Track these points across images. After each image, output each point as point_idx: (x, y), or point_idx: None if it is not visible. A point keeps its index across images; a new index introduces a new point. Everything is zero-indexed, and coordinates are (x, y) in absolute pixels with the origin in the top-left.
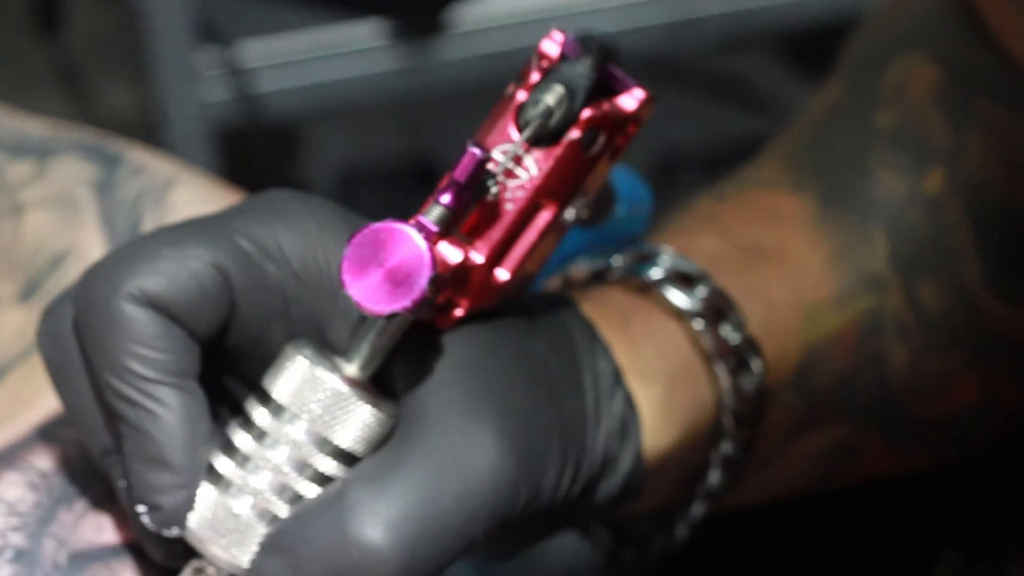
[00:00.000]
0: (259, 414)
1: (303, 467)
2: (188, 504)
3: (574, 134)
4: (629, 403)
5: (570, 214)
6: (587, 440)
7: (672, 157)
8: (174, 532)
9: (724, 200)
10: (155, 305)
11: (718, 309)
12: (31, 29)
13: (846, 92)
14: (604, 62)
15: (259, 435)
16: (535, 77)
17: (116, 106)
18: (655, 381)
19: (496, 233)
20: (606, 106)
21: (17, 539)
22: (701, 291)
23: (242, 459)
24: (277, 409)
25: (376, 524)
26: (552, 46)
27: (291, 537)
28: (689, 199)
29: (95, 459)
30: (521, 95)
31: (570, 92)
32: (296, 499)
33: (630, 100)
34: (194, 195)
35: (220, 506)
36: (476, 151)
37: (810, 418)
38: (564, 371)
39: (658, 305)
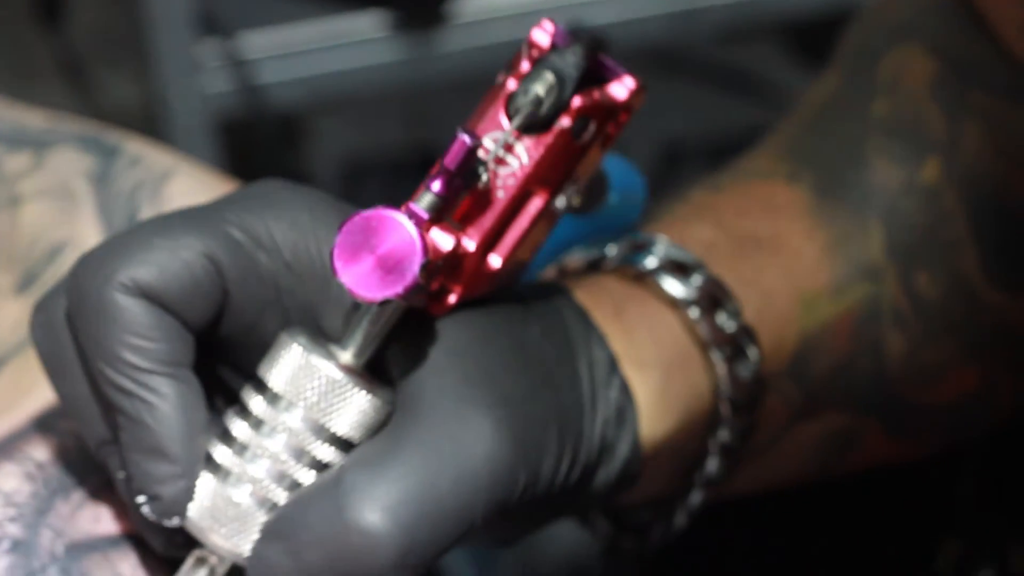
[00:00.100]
0: (255, 403)
1: (301, 454)
2: (188, 494)
3: (564, 122)
4: (625, 391)
5: (562, 202)
6: (584, 427)
7: (675, 148)
8: (174, 522)
9: (720, 190)
10: (147, 295)
11: (714, 297)
12: (34, 21)
13: (843, 83)
14: (594, 51)
15: (256, 424)
16: (525, 66)
17: (119, 98)
18: (651, 369)
19: (488, 220)
20: (596, 94)
21: (14, 530)
22: (696, 280)
23: (240, 448)
24: (273, 397)
25: (374, 508)
26: (543, 36)
27: (290, 523)
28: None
29: (92, 450)
30: (511, 84)
31: (560, 80)
32: (295, 486)
33: (621, 89)
34: (191, 186)
35: (219, 495)
36: (466, 138)
37: (807, 407)
38: (559, 359)
39: (653, 294)
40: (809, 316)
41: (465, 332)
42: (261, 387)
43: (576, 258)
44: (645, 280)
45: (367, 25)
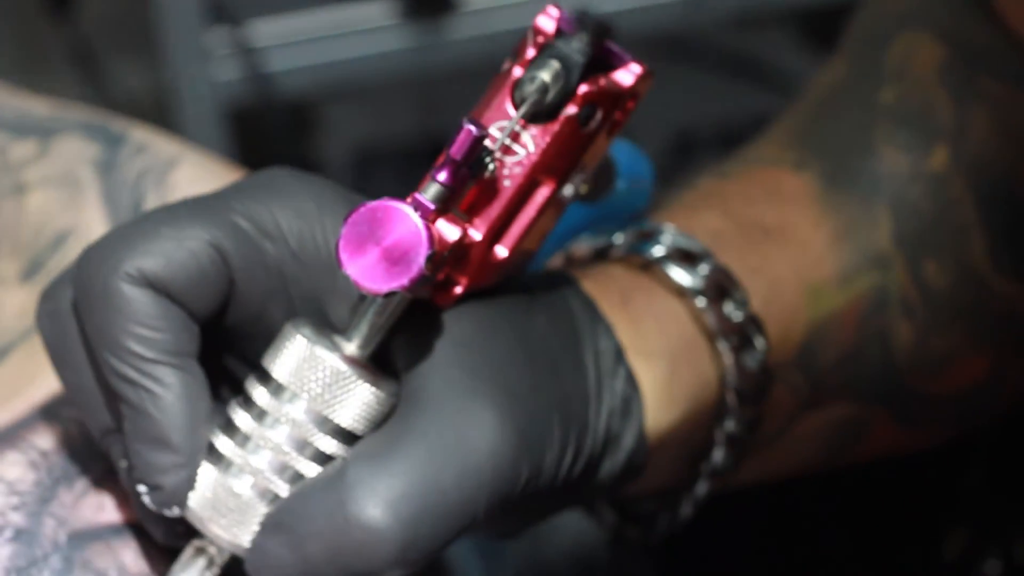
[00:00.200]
0: (259, 393)
1: (303, 446)
2: (189, 484)
3: (571, 110)
4: (631, 381)
5: (569, 190)
6: (589, 418)
7: (687, 136)
8: (175, 512)
9: (727, 178)
10: (153, 285)
11: (721, 287)
12: (44, 11)
13: (850, 70)
14: (600, 38)
15: (259, 415)
16: (531, 53)
17: (130, 87)
18: (657, 359)
19: (494, 210)
20: (603, 81)
21: (17, 518)
22: (703, 269)
23: (242, 439)
24: (277, 388)
25: (377, 503)
26: (548, 22)
27: (292, 516)
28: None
29: (96, 439)
30: (517, 71)
31: (566, 68)
32: (297, 478)
33: (627, 75)
34: (197, 174)
35: (221, 486)
36: (472, 128)
37: (814, 396)
38: (565, 349)
39: (660, 283)
40: (816, 305)
41: (470, 324)
42: (265, 378)
43: (583, 247)
44: (652, 269)
45: (376, 13)
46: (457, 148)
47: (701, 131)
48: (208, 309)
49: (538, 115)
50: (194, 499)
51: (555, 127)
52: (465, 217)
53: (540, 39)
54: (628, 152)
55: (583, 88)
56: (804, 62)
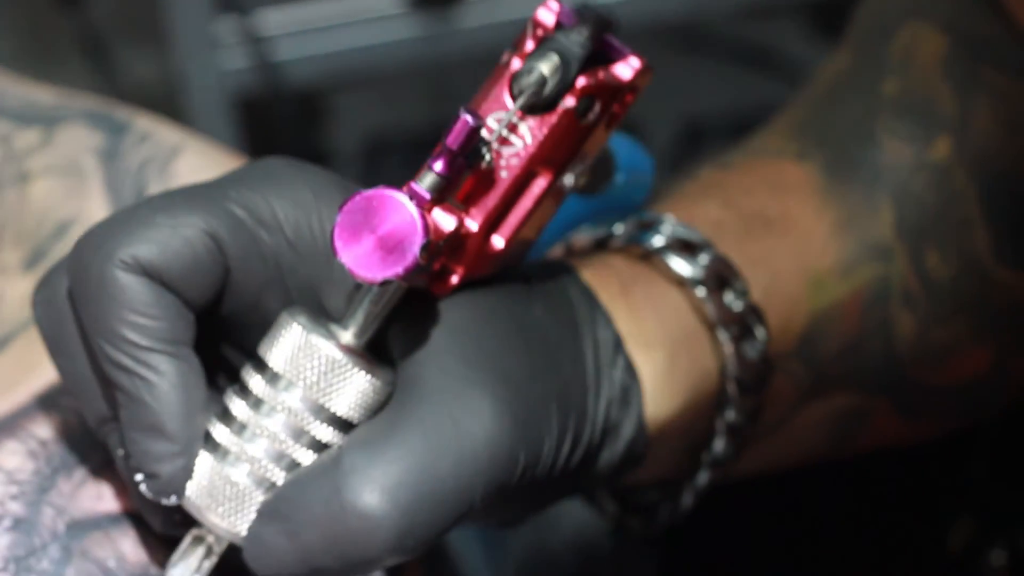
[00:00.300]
0: (255, 382)
1: (300, 435)
2: (185, 472)
3: (569, 102)
4: (630, 371)
5: (568, 180)
6: (587, 407)
7: (697, 126)
8: (172, 500)
9: (728, 168)
10: (148, 273)
11: (721, 277)
12: (54, 1)
13: (853, 61)
14: (600, 31)
15: (255, 403)
16: (530, 46)
17: (139, 77)
18: (657, 348)
19: (491, 201)
20: (601, 74)
21: (16, 507)
22: (704, 259)
23: (239, 427)
24: (273, 377)
25: (373, 490)
26: (547, 15)
27: (288, 504)
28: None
29: (93, 428)
30: (516, 63)
31: (565, 60)
32: (293, 466)
33: (626, 69)
34: (199, 162)
35: (217, 474)
36: (468, 118)
37: (816, 387)
38: (563, 338)
39: (660, 273)
40: (818, 296)
41: (467, 312)
42: (261, 366)
43: (583, 237)
44: (652, 259)
45: (384, 2)
46: (453, 138)
47: (711, 121)
48: (204, 297)
49: (536, 107)
50: (191, 488)
51: (552, 119)
52: (462, 207)
53: (539, 32)
54: (627, 145)
55: (581, 81)
56: (814, 51)
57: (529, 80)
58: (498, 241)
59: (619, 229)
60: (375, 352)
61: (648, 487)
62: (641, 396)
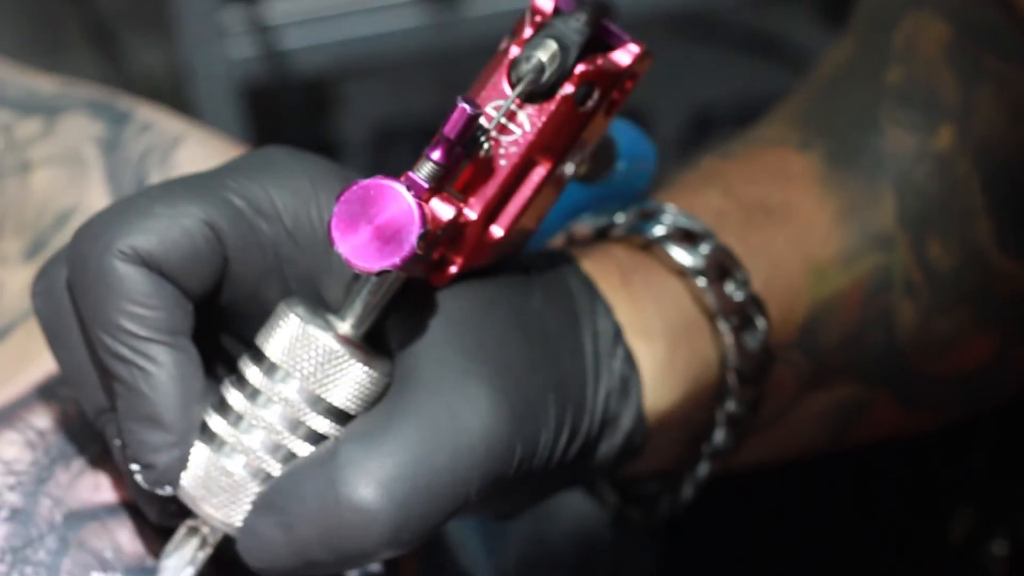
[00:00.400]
0: (252, 373)
1: (296, 426)
2: (181, 463)
3: (567, 89)
4: (630, 361)
5: (568, 169)
6: (586, 398)
7: (705, 114)
8: (167, 491)
9: (730, 157)
10: (147, 263)
11: (722, 266)
12: None
13: (857, 50)
14: (598, 17)
15: (252, 394)
16: (528, 32)
17: (147, 66)
18: (656, 339)
19: (490, 190)
20: (600, 61)
21: (13, 498)
22: (704, 248)
23: (235, 418)
24: (270, 367)
25: (368, 483)
26: (546, 2)
27: (284, 496)
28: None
29: (91, 418)
30: (514, 50)
31: (563, 47)
32: (289, 458)
33: (624, 55)
34: (201, 152)
35: (213, 465)
36: (466, 106)
37: (817, 377)
38: (562, 329)
39: (661, 262)
40: (819, 286)
41: (465, 303)
42: (258, 357)
43: (584, 226)
44: (652, 248)
45: None
46: (451, 127)
47: (720, 109)
48: (202, 287)
49: (534, 94)
50: (187, 478)
51: (551, 106)
52: (460, 197)
53: (538, 19)
54: (629, 132)
55: (580, 68)
56: (822, 39)
57: (527, 67)
58: (497, 230)
59: (620, 218)
60: (373, 343)
61: (648, 478)
62: (640, 387)
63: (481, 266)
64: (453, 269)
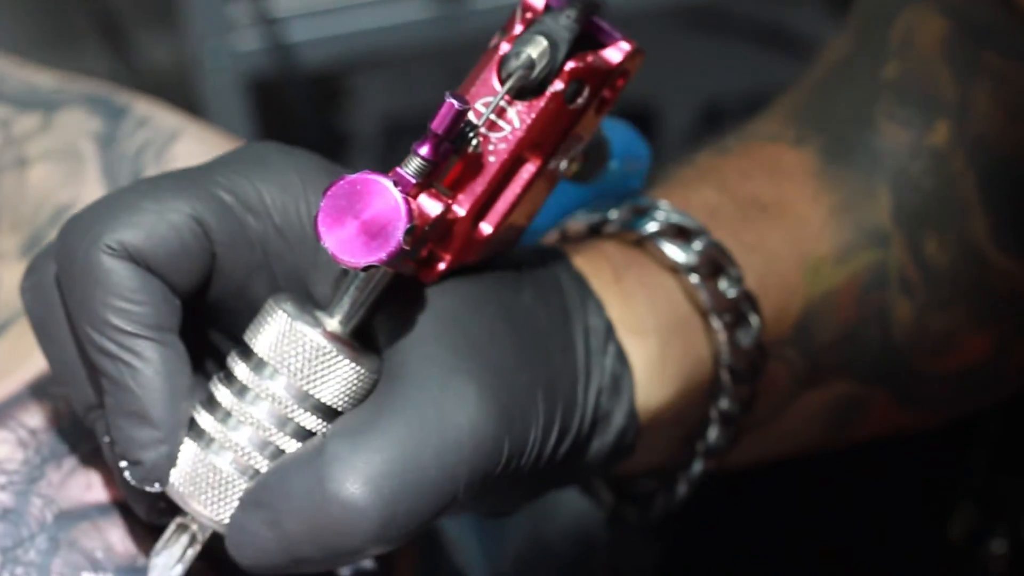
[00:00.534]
0: (240, 369)
1: (284, 422)
2: (169, 459)
3: (557, 86)
4: (621, 358)
5: (561, 165)
6: (576, 396)
7: (715, 107)
8: (156, 488)
9: (726, 154)
10: (134, 258)
11: (715, 263)
12: None
13: (854, 45)
14: (588, 14)
15: (240, 390)
16: (518, 29)
17: (155, 59)
18: (649, 335)
19: (479, 186)
20: (590, 58)
21: (4, 497)
22: (698, 245)
23: (224, 414)
24: (258, 364)
25: (356, 479)
26: None
27: (271, 492)
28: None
29: (81, 415)
30: (504, 47)
31: (553, 43)
32: (277, 455)
33: (615, 52)
34: (197, 147)
35: (201, 462)
36: (454, 102)
37: (812, 375)
38: (553, 326)
39: (653, 259)
40: (814, 282)
41: (454, 300)
42: (246, 353)
43: (577, 222)
44: (645, 245)
45: None
46: (439, 122)
47: (730, 101)
48: (190, 283)
49: (525, 91)
50: (175, 475)
51: (541, 103)
52: (449, 193)
53: (529, 15)
54: (623, 132)
55: (570, 64)
56: (832, 31)
57: (517, 63)
58: (486, 227)
59: (613, 215)
60: (362, 339)
61: (643, 476)
62: (632, 384)
63: (471, 263)
64: (442, 266)
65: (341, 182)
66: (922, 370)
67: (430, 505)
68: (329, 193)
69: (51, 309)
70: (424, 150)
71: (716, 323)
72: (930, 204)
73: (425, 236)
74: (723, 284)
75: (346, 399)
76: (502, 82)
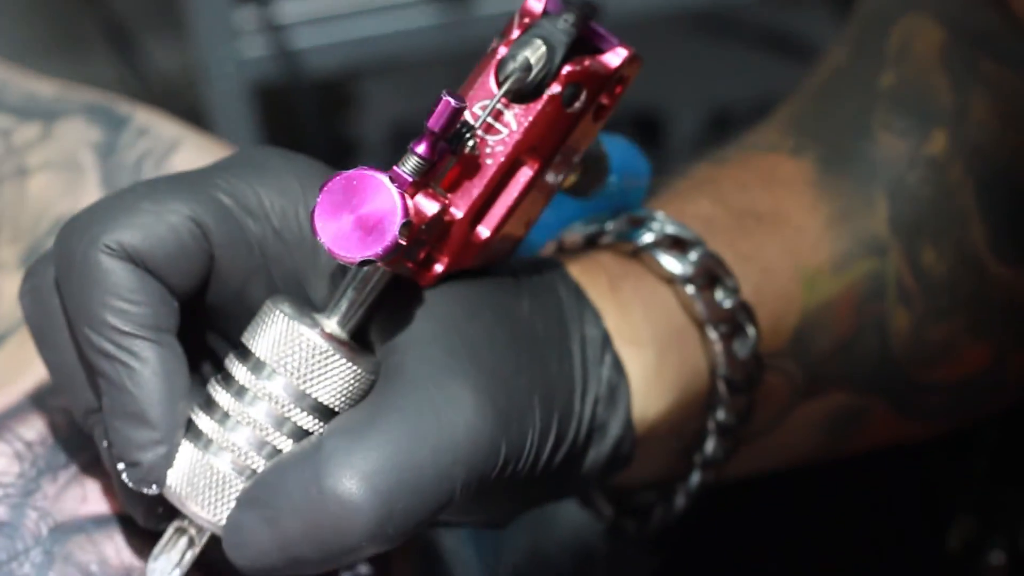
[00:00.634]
0: (238, 370)
1: (282, 423)
2: (167, 460)
3: (555, 89)
4: (618, 368)
5: (555, 177)
6: (573, 405)
7: (723, 113)
8: (153, 489)
9: (723, 164)
10: (132, 258)
11: (711, 274)
12: None
13: (851, 54)
14: (585, 18)
15: (238, 391)
16: (516, 33)
17: (162, 66)
18: (645, 346)
19: (476, 188)
20: (587, 62)
21: None
22: (694, 256)
23: (222, 416)
24: (256, 364)
25: (352, 476)
26: (535, 3)
27: (268, 489)
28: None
29: (79, 420)
30: (502, 51)
31: (550, 47)
32: (275, 455)
33: (613, 57)
34: (197, 157)
35: (199, 463)
36: (450, 100)
37: (810, 386)
38: (550, 334)
39: (650, 270)
40: (810, 293)
41: (451, 303)
42: (245, 355)
43: (574, 233)
44: (642, 256)
45: None
46: (435, 120)
47: (738, 107)
48: (188, 284)
49: (522, 94)
50: (173, 477)
51: (538, 106)
52: (446, 195)
53: (527, 20)
54: (623, 148)
55: (567, 68)
56: None
57: (514, 66)
58: (483, 231)
59: (610, 226)
60: (359, 341)
61: (642, 488)
62: (629, 394)
63: (468, 268)
64: (439, 268)
65: (338, 177)
66: (920, 380)
67: (427, 504)
68: (326, 188)
69: (50, 313)
70: (421, 148)
71: (712, 334)
72: (928, 213)
73: (422, 236)
74: (719, 295)
75: (343, 399)
76: (499, 85)
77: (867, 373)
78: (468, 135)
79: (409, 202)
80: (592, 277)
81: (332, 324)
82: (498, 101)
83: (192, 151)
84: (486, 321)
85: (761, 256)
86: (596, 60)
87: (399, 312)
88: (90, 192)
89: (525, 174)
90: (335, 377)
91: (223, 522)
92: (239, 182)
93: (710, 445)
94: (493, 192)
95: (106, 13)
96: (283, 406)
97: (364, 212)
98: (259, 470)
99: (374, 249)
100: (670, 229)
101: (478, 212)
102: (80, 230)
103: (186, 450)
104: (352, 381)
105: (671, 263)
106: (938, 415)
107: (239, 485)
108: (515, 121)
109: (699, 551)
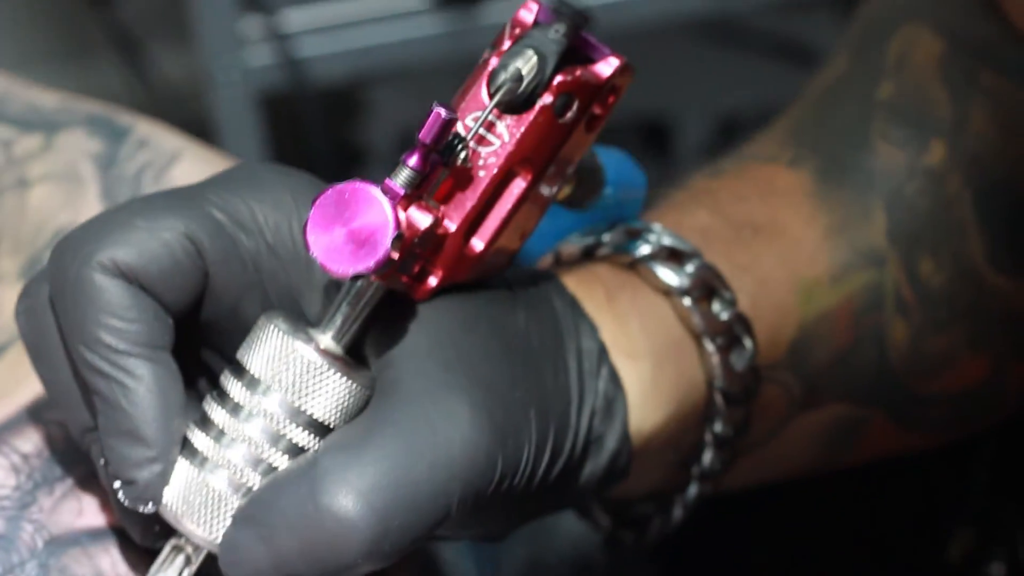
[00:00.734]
0: (233, 387)
1: (277, 439)
2: (163, 478)
3: (546, 99)
4: (615, 381)
5: (549, 189)
6: (569, 418)
7: (732, 120)
8: (150, 508)
9: (720, 175)
10: (126, 275)
11: (708, 286)
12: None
13: (849, 64)
14: (577, 28)
15: (233, 408)
16: (507, 44)
17: (169, 74)
18: (642, 358)
19: (469, 200)
20: (579, 72)
21: None
22: (690, 267)
23: (217, 433)
24: (251, 381)
25: (348, 493)
26: (527, 14)
27: (263, 507)
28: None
29: (76, 438)
30: (494, 61)
31: (541, 57)
32: (271, 472)
33: (604, 67)
34: (197, 169)
35: (195, 481)
36: (441, 111)
37: (808, 398)
38: (546, 347)
39: (646, 281)
40: (808, 304)
41: (447, 317)
42: (239, 371)
43: (571, 245)
44: (638, 268)
45: None
46: (426, 131)
47: (745, 115)
48: (182, 301)
49: (514, 105)
50: (168, 495)
51: (530, 116)
52: (439, 207)
53: (518, 31)
54: (619, 159)
55: (559, 78)
56: None
57: (505, 76)
58: (477, 243)
59: (606, 237)
60: (354, 356)
61: (640, 500)
62: (626, 407)
63: (463, 282)
64: (433, 282)
65: (330, 191)
66: (919, 392)
67: (424, 520)
68: (317, 202)
69: (45, 332)
70: (412, 160)
71: (709, 346)
72: (925, 224)
73: (415, 249)
74: (716, 307)
75: (339, 415)
76: (491, 96)
77: (865, 385)
78: (460, 147)
79: (402, 215)
80: (588, 289)
81: (327, 339)
82: (490, 112)
83: (192, 163)
84: (481, 334)
85: (758, 267)
86: (587, 70)
87: (394, 326)
88: (90, 204)
89: (518, 185)
90: (330, 393)
91: (219, 540)
92: (232, 197)
93: (707, 457)
94: (486, 204)
95: (113, 21)
96: (278, 422)
97: (356, 225)
98: (255, 487)
99: (366, 263)
100: (667, 241)
101: (472, 224)
102: (74, 248)
103: (182, 468)
104: (347, 397)
105: (668, 275)
106: (937, 427)
107: (235, 503)
108: (507, 132)
109: (697, 562)
